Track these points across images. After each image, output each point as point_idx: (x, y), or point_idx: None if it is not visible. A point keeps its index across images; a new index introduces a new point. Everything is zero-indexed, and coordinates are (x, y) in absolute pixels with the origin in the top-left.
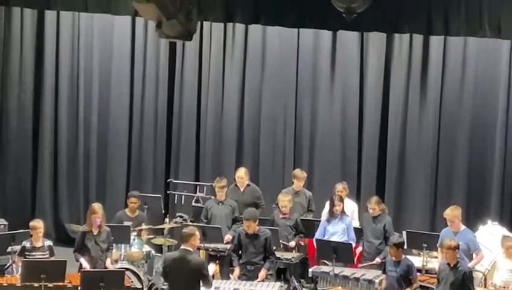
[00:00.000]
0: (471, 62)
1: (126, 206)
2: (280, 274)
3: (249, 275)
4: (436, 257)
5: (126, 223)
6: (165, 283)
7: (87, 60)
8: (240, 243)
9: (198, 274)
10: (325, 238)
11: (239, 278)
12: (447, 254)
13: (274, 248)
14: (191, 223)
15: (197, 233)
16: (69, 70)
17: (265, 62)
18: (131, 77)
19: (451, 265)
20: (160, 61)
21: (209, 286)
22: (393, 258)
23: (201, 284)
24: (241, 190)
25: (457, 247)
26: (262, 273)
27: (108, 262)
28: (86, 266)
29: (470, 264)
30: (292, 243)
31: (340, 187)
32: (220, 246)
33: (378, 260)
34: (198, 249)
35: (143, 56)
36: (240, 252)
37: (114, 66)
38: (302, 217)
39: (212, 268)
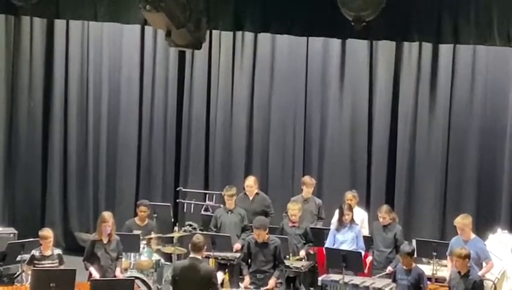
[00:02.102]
0: (481, 70)
1: (136, 215)
2: (290, 283)
3: (258, 283)
4: (445, 266)
5: (135, 232)
6: None
7: (97, 69)
8: (249, 252)
9: (208, 283)
10: (335, 246)
11: (250, 285)
12: (458, 262)
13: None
14: (200, 232)
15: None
16: (78, 79)
17: (274, 70)
18: (141, 86)
19: (462, 274)
20: (170, 70)
21: None
22: (404, 266)
23: None
24: (250, 198)
25: (468, 256)
26: (271, 281)
27: (118, 271)
28: (96, 275)
29: (480, 273)
30: (302, 253)
31: (350, 195)
32: (229, 254)
33: (390, 268)
34: (208, 257)
35: (152, 65)
36: (250, 260)
37: (123, 75)
38: (311, 226)
39: (221, 276)
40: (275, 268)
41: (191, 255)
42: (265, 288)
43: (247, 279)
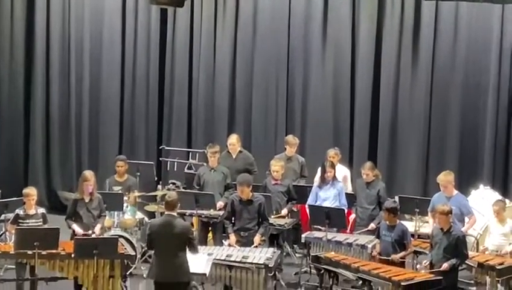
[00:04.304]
0: (463, 26)
1: (116, 173)
2: (273, 240)
3: (242, 241)
4: (427, 222)
5: (115, 188)
6: (151, 249)
7: (79, 28)
8: (233, 210)
9: (185, 239)
10: (317, 204)
11: (236, 243)
12: (440, 218)
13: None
14: (183, 190)
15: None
16: (60, 39)
17: (256, 28)
18: (123, 45)
19: (444, 230)
20: (152, 28)
21: (195, 250)
22: (388, 223)
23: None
24: (234, 156)
25: (450, 212)
26: (256, 238)
27: (97, 228)
28: (79, 231)
29: (463, 229)
30: (284, 211)
31: (332, 153)
32: (212, 212)
33: (372, 225)
34: (191, 215)
35: (134, 24)
36: (233, 218)
37: (105, 34)
38: (294, 183)
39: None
40: (259, 225)
41: (166, 212)
42: (254, 246)
43: (232, 237)
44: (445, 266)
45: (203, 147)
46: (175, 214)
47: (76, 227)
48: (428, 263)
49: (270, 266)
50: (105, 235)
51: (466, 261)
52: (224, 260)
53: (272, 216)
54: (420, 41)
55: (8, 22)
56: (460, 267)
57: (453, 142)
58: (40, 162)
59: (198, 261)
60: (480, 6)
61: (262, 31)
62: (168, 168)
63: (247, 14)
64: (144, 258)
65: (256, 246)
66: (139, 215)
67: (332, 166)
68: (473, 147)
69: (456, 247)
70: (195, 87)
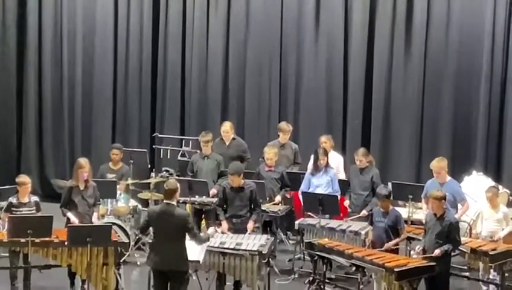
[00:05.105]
0: (456, 13)
1: (110, 160)
2: (266, 227)
3: (234, 228)
4: (421, 208)
5: (109, 176)
6: (142, 234)
7: (71, 15)
8: (225, 197)
9: (183, 228)
10: (310, 190)
11: (228, 230)
12: (434, 204)
13: (260, 201)
14: (176, 177)
15: (178, 187)
16: (52, 26)
17: (249, 15)
18: (115, 32)
19: (438, 215)
20: (144, 16)
21: (196, 238)
22: (381, 209)
23: (187, 237)
24: (227, 143)
25: (444, 197)
26: (250, 225)
27: (94, 217)
28: (74, 220)
29: (456, 215)
30: (278, 198)
31: (324, 139)
32: (206, 199)
33: (364, 212)
34: (184, 203)
35: (126, 11)
36: (225, 206)
37: (98, 22)
38: (287, 170)
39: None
40: (251, 212)
41: (164, 200)
42: (248, 233)
43: (224, 224)
44: (437, 252)
45: (196, 134)
46: (174, 202)
47: (71, 216)
48: (421, 248)
49: (263, 252)
50: (99, 223)
51: (459, 247)
52: (218, 247)
53: (266, 203)
54: (413, 29)
55: (0, 10)
56: (453, 254)
57: (446, 128)
58: (33, 151)
59: (193, 249)
60: None
61: (255, 19)
62: (162, 156)
63: (240, 2)
64: (137, 245)
65: (250, 233)
66: (133, 202)
67: (325, 153)
68: (466, 133)
69: (449, 233)
70: (188, 75)
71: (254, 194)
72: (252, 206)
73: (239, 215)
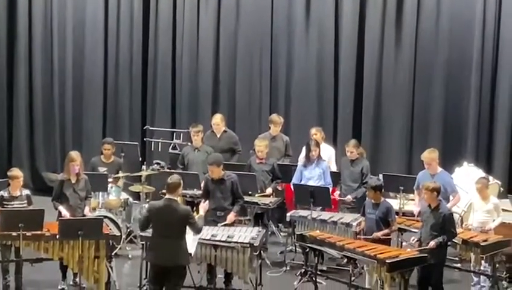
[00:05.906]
0: (446, 1)
1: (102, 154)
2: (258, 219)
3: (219, 220)
4: (412, 200)
5: (101, 169)
6: (143, 231)
7: (61, 7)
8: (207, 189)
9: (185, 223)
10: (302, 183)
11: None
12: (426, 194)
13: (250, 193)
14: (168, 170)
15: (181, 182)
16: (42, 18)
17: (240, 6)
18: (106, 24)
19: (432, 207)
20: (135, 7)
21: (195, 228)
22: (373, 200)
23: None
24: (218, 136)
25: (436, 189)
26: (230, 216)
27: (86, 210)
28: (66, 213)
29: (447, 206)
30: (269, 190)
31: (314, 130)
32: (197, 192)
33: (349, 197)
34: None
35: (117, 2)
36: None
37: (88, 14)
38: (278, 162)
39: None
40: (234, 204)
41: (167, 195)
42: (223, 223)
43: (204, 205)
44: (431, 244)
45: (187, 127)
46: (176, 198)
47: (63, 209)
48: (416, 240)
49: (255, 245)
50: (90, 216)
51: None
52: (209, 240)
53: (257, 195)
54: (403, 17)
55: None
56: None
57: (436, 117)
58: (24, 144)
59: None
60: None
61: (245, 11)
62: (153, 149)
63: None
64: (128, 238)
65: (227, 225)
66: (124, 195)
67: (317, 145)
68: (457, 124)
69: (443, 224)
70: (179, 67)
71: (235, 185)
72: (234, 198)
73: (223, 207)
